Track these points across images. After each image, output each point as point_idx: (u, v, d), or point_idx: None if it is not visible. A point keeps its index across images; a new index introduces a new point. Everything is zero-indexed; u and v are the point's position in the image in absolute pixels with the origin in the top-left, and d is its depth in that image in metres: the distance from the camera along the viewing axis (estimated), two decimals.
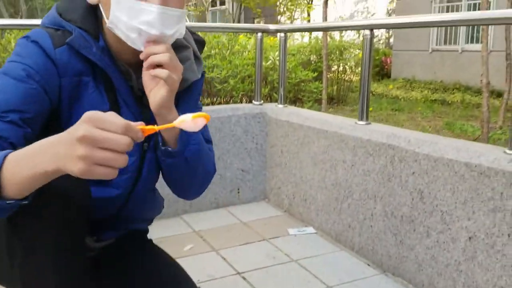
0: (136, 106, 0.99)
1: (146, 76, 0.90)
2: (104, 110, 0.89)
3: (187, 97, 1.05)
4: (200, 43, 1.12)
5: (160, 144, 0.97)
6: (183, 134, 0.97)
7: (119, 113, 0.93)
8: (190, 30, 1.10)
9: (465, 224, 1.49)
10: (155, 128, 0.70)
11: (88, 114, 0.63)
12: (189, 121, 0.73)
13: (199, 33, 1.17)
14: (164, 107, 0.91)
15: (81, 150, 0.61)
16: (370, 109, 2.06)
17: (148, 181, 1.07)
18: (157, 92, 0.90)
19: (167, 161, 1.00)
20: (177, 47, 0.99)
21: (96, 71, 0.94)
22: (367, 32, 1.91)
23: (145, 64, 0.90)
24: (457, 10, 9.55)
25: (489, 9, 4.67)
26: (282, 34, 2.55)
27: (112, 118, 0.64)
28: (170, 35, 0.90)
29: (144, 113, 0.99)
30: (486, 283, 1.43)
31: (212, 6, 20.19)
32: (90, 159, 0.61)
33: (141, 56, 0.89)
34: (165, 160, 1.00)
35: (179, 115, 1.01)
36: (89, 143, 0.61)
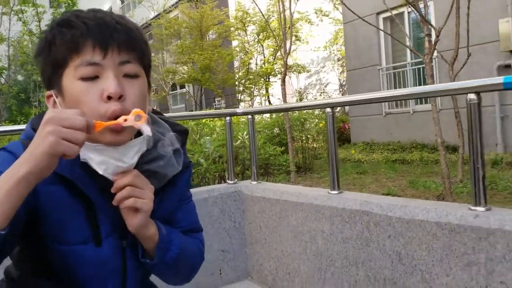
0: (114, 213, 0.98)
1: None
2: (80, 220, 0.95)
3: (171, 191, 1.08)
4: (183, 132, 1.16)
5: (140, 256, 1.02)
6: (162, 242, 1.01)
7: (98, 225, 0.97)
8: (171, 121, 1.15)
9: (445, 281, 1.56)
10: (103, 123, 0.86)
11: (50, 110, 0.80)
12: (130, 118, 0.88)
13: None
14: (141, 228, 0.97)
15: (48, 128, 0.77)
16: None
17: (137, 278, 1.07)
18: (132, 217, 0.96)
19: (148, 267, 1.05)
20: (154, 144, 1.03)
21: (69, 182, 0.95)
22: (329, 109, 2.08)
23: (114, 201, 0.95)
24: (403, 76, 10.28)
25: (433, 73, 5.12)
26: (250, 116, 2.71)
27: (68, 109, 0.83)
28: (134, 163, 0.95)
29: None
30: None
31: (173, 90, 20.81)
32: (57, 132, 0.76)
33: (112, 190, 0.94)
34: (146, 266, 1.04)
35: (164, 210, 1.08)
36: (54, 122, 0.77)
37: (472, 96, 1.53)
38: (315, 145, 8.92)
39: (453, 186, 5.17)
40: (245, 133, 4.18)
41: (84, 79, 0.90)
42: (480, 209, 1.53)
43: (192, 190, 2.62)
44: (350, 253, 1.92)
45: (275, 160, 4.67)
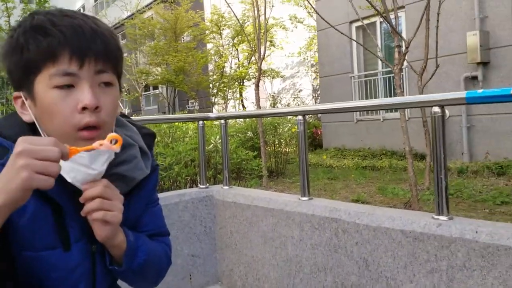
0: (83, 221, 0.97)
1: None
2: (48, 226, 0.94)
3: (138, 194, 1.08)
4: (150, 136, 1.16)
5: (108, 263, 1.02)
6: (130, 249, 1.01)
7: (66, 229, 0.95)
8: (138, 125, 1.15)
9: (409, 287, 1.61)
10: (78, 149, 0.84)
11: (21, 138, 0.76)
12: (106, 143, 0.88)
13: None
14: (109, 238, 0.97)
15: (21, 161, 0.73)
16: None
17: (106, 282, 1.07)
18: (101, 228, 0.95)
19: (116, 274, 1.05)
20: (122, 147, 1.01)
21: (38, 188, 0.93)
22: (300, 117, 2.12)
23: (82, 213, 0.93)
24: (374, 84, 10.49)
25: (402, 81, 5.26)
26: (223, 121, 2.71)
27: (42, 138, 0.79)
28: (103, 170, 0.94)
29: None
30: None
31: (146, 91, 20.57)
32: (30, 167, 0.73)
33: (81, 200, 0.93)
34: (113, 272, 1.05)
35: (131, 214, 1.08)
36: (27, 155, 0.74)
37: (436, 109, 1.59)
38: (287, 150, 9.01)
39: (420, 193, 5.31)
40: (217, 137, 4.18)
41: (59, 87, 0.89)
42: (443, 218, 1.59)
43: (163, 194, 2.63)
44: (319, 259, 1.95)
45: (247, 164, 4.69)
